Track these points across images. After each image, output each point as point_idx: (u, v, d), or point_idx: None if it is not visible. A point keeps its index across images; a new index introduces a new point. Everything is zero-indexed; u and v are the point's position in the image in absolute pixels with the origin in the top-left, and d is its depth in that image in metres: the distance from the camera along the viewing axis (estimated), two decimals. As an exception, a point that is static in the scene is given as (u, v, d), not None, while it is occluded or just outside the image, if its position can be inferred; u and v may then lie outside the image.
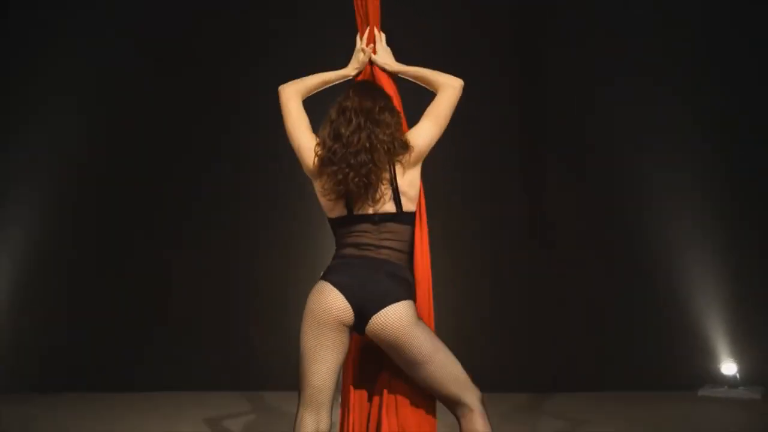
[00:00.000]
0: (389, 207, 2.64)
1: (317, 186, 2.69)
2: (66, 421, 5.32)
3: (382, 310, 2.53)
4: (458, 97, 2.81)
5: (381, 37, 3.01)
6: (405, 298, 2.58)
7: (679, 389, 6.20)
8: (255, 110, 6.40)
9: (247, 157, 6.64)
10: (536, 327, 6.50)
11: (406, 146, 2.66)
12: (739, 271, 6.31)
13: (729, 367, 6.20)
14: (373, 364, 2.78)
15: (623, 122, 6.58)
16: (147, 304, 6.59)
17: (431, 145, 2.74)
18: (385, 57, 2.99)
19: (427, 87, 2.91)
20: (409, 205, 2.67)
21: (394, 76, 3.02)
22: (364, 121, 2.62)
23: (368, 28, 3.07)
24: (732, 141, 6.50)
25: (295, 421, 2.56)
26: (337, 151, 2.60)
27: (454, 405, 2.59)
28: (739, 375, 6.16)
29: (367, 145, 2.58)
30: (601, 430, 4.94)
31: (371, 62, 3.03)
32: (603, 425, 5.10)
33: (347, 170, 2.56)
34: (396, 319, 2.53)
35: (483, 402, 2.59)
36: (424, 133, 2.72)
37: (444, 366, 2.56)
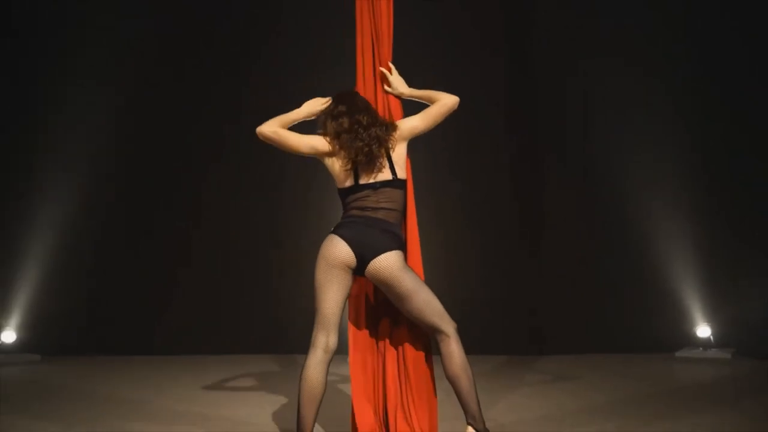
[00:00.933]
0: (386, 175, 3.34)
1: (335, 164, 3.35)
2: (95, 382, 5.73)
3: (378, 257, 3.23)
4: (451, 109, 3.46)
5: (392, 70, 3.60)
6: (395, 249, 3.27)
7: (660, 351, 6.70)
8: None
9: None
10: (531, 296, 6.97)
11: (394, 127, 3.38)
12: (712, 246, 6.77)
13: (703, 331, 6.71)
14: (375, 316, 3.50)
15: (604, 107, 7.02)
16: (170, 275, 7.08)
17: (413, 133, 3.42)
18: (399, 86, 3.60)
19: (430, 103, 3.53)
20: (401, 173, 3.37)
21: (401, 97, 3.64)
22: (363, 115, 3.34)
23: (376, 52, 3.59)
24: (707, 122, 6.90)
25: (312, 338, 3.24)
26: (348, 133, 3.30)
27: (435, 332, 3.27)
28: (713, 338, 6.67)
29: (370, 129, 3.29)
30: (595, 385, 5.38)
31: (384, 90, 3.60)
32: (596, 380, 5.56)
33: (360, 144, 3.27)
34: (388, 264, 3.23)
35: (457, 331, 3.26)
36: (410, 122, 3.43)
37: (427, 302, 3.24)
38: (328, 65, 6.47)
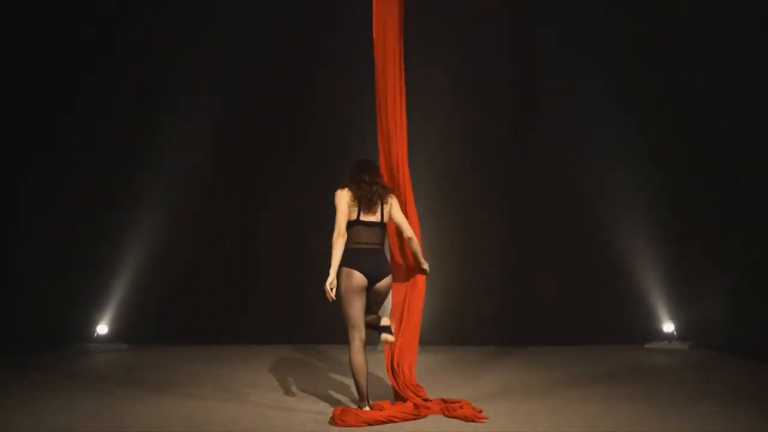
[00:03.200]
0: (377, 218, 4.80)
1: (347, 203, 4.77)
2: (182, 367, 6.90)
3: (382, 280, 4.82)
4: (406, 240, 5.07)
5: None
6: (389, 273, 4.86)
7: (630, 343, 7.84)
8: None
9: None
10: (510, 293, 8.00)
11: (391, 194, 4.96)
12: (677, 255, 7.82)
13: (668, 326, 7.84)
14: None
15: (576, 110, 7.88)
16: (246, 275, 8.29)
17: (391, 213, 4.92)
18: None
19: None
20: (385, 219, 4.85)
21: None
22: (373, 180, 4.85)
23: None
24: (677, 121, 7.69)
25: (350, 336, 4.75)
26: (362, 190, 4.82)
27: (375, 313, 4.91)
28: (675, 332, 7.82)
29: (376, 189, 4.83)
30: (573, 371, 6.42)
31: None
32: (574, 367, 6.62)
33: (367, 194, 4.79)
34: (386, 283, 4.84)
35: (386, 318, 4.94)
36: (396, 211, 4.96)
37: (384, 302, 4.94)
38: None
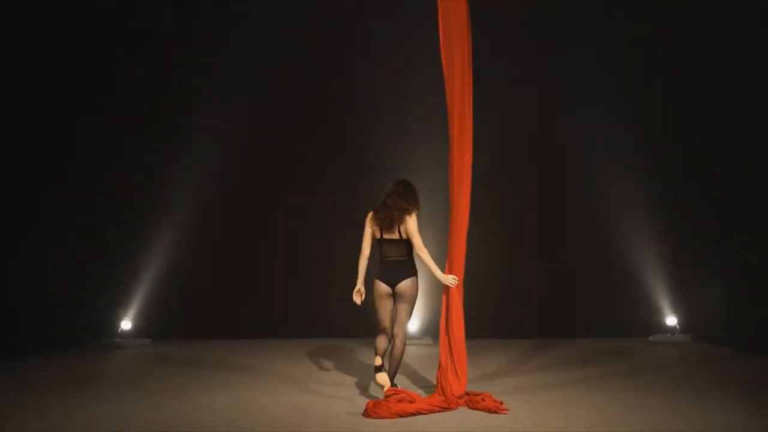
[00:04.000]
0: (396, 236, 5.35)
1: (371, 226, 5.45)
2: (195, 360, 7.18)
3: (400, 283, 5.36)
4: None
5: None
6: (409, 277, 5.37)
7: (635, 336, 8.12)
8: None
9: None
10: (522, 289, 8.27)
11: (408, 212, 5.41)
12: (680, 254, 8.07)
13: (671, 320, 8.11)
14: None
15: (576, 109, 8.03)
16: (264, 274, 8.56)
17: (410, 230, 5.37)
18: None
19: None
20: (404, 236, 5.37)
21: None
22: (393, 205, 5.40)
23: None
24: (677, 120, 7.84)
25: (376, 339, 5.36)
26: (381, 213, 5.41)
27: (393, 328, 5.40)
28: (678, 325, 8.09)
29: (391, 213, 5.38)
30: (580, 364, 6.67)
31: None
32: (582, 359, 6.90)
33: (384, 218, 5.38)
34: (404, 285, 5.38)
35: (405, 336, 5.38)
36: (412, 226, 5.40)
37: (405, 312, 5.41)
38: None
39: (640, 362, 6.86)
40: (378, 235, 5.47)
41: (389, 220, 5.40)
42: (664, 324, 8.17)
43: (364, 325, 8.07)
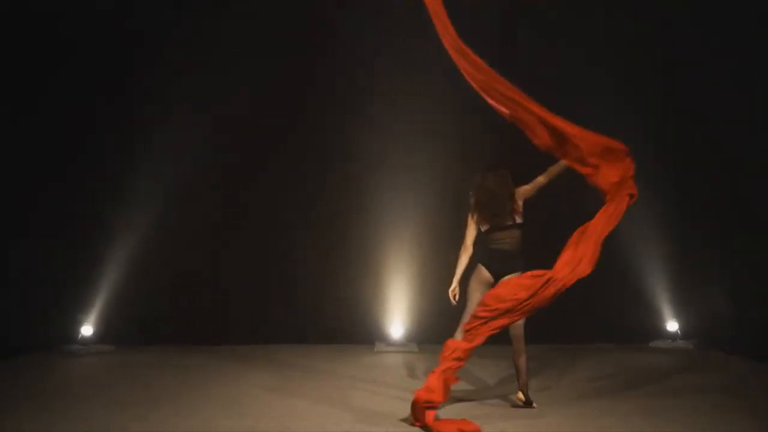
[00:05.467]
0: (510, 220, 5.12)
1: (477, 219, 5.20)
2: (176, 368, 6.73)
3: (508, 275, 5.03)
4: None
5: None
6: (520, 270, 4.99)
7: (635, 342, 7.78)
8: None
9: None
10: None
11: (512, 197, 5.13)
12: (683, 256, 7.76)
13: (672, 325, 7.80)
14: None
15: (575, 107, 7.49)
16: (232, 276, 8.00)
17: (526, 196, 5.16)
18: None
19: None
20: (518, 219, 5.12)
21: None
22: (496, 188, 5.10)
23: None
24: (678, 137, 7.61)
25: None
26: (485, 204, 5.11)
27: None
28: (680, 331, 7.77)
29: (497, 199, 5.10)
30: (579, 372, 6.40)
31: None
32: (581, 367, 6.59)
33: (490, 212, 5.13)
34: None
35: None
36: (523, 191, 5.19)
37: None
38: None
39: (638, 368, 6.55)
40: (486, 226, 5.19)
41: (495, 211, 5.11)
42: (666, 329, 7.86)
43: (340, 330, 7.91)
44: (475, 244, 5.25)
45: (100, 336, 7.78)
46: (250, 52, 7.89)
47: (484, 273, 5.12)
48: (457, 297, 5.18)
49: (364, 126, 7.98)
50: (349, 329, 7.98)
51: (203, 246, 8.03)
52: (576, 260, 4.56)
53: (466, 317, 4.93)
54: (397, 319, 8.00)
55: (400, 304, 8.00)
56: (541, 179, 5.18)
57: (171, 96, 7.78)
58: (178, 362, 6.93)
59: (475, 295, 5.05)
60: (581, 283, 7.46)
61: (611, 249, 7.51)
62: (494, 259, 5.13)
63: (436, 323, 7.51)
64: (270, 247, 8.07)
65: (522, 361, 5.11)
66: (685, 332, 7.80)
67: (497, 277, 5.08)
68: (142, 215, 7.86)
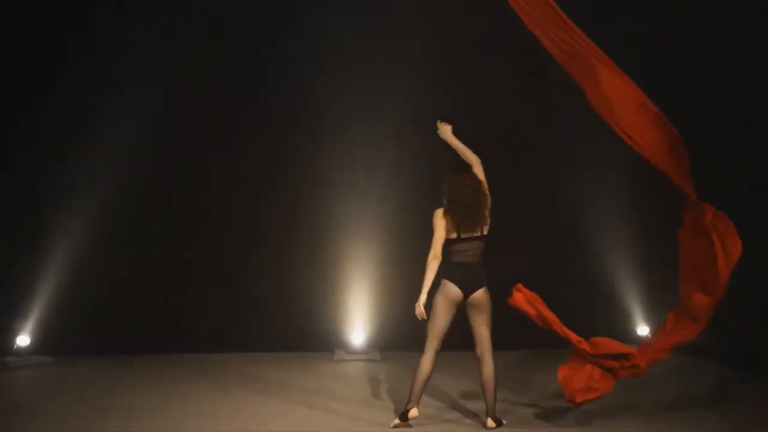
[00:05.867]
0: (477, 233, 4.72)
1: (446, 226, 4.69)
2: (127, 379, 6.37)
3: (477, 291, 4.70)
4: (481, 170, 4.65)
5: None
6: (486, 285, 4.71)
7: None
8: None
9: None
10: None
11: (487, 204, 4.76)
12: (652, 258, 7.52)
13: (643, 329, 7.58)
14: None
15: (550, 123, 7.57)
16: (174, 281, 7.57)
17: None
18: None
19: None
20: (485, 230, 4.73)
21: None
22: (473, 192, 4.69)
23: None
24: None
25: (422, 361, 4.63)
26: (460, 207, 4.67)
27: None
28: (650, 335, 7.35)
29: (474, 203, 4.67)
30: (542, 378, 6.12)
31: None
32: (542, 374, 6.28)
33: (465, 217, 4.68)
34: (483, 295, 4.72)
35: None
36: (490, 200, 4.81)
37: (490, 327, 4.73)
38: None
39: None
40: (454, 235, 4.70)
41: (472, 216, 4.69)
42: (636, 333, 7.60)
43: (297, 337, 7.49)
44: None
45: (38, 347, 7.25)
46: (199, 48, 7.46)
47: (453, 290, 4.67)
48: (424, 315, 4.66)
49: (322, 127, 7.64)
50: (307, 336, 7.59)
51: (147, 252, 7.58)
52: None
53: (433, 338, 4.64)
54: (358, 324, 7.64)
55: (361, 309, 7.64)
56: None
57: (110, 101, 7.34)
58: (120, 373, 6.55)
59: (445, 318, 4.66)
60: (546, 286, 7.34)
61: (579, 251, 7.56)
62: (464, 273, 4.69)
63: (400, 329, 7.26)
64: (222, 250, 7.66)
65: (490, 374, 4.73)
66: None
67: (467, 294, 4.68)
68: (80, 220, 7.34)
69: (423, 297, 4.60)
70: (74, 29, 7.34)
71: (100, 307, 7.41)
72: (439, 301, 4.65)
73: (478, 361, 4.74)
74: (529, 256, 7.62)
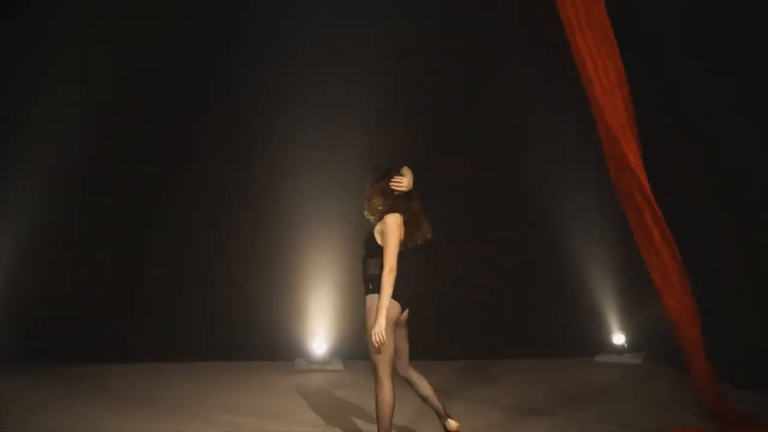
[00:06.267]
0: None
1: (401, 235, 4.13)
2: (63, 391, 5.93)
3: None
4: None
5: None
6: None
7: (579, 356, 7.24)
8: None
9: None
10: (461, 307, 7.34)
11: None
12: (627, 266, 7.12)
13: (619, 338, 7.31)
14: None
15: (528, 123, 7.32)
16: (125, 286, 7.14)
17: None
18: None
19: None
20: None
21: None
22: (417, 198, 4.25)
23: None
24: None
25: (389, 393, 4.04)
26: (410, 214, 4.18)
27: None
28: (626, 344, 7.28)
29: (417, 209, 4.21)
30: (519, 390, 5.91)
31: None
32: (521, 385, 6.09)
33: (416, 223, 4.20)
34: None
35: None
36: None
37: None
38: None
39: (582, 385, 6.06)
40: (404, 246, 4.15)
41: (419, 222, 4.21)
42: (612, 342, 7.33)
43: (256, 346, 7.10)
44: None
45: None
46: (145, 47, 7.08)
47: (396, 309, 4.07)
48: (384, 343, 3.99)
49: (277, 136, 7.29)
50: (266, 344, 7.17)
51: (96, 256, 7.17)
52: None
53: (386, 366, 4.04)
54: (319, 333, 7.26)
55: (323, 317, 7.26)
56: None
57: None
58: (65, 383, 6.14)
59: (392, 341, 4.04)
60: (520, 293, 7.23)
61: (553, 256, 7.24)
62: (407, 288, 4.12)
63: (363, 338, 6.84)
64: (174, 256, 7.27)
65: (427, 387, 4.35)
66: (633, 345, 7.29)
67: (404, 309, 4.17)
68: (21, 212, 6.90)
69: (383, 321, 3.96)
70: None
71: (43, 316, 7.00)
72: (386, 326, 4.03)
73: (407, 380, 4.32)
74: (510, 270, 7.41)
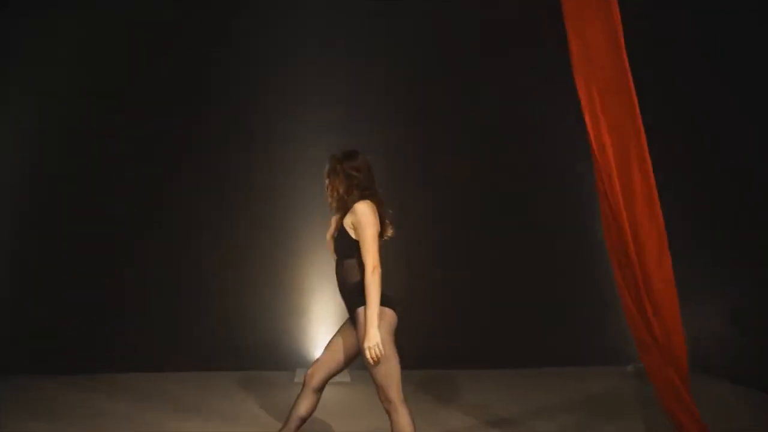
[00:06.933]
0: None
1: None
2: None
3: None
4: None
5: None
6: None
7: (611, 364, 7.15)
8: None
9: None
10: (488, 312, 7.27)
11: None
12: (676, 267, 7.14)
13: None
14: None
15: (547, 130, 7.30)
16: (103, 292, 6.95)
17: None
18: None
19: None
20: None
21: None
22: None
23: None
24: (661, 151, 7.14)
25: (400, 401, 3.53)
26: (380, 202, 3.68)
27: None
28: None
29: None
30: (547, 400, 5.88)
31: None
32: (547, 395, 6.05)
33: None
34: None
35: None
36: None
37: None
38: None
39: (612, 396, 6.08)
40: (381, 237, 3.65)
41: (386, 217, 3.71)
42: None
43: (253, 355, 6.95)
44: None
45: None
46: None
47: (392, 315, 3.58)
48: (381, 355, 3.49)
49: (275, 137, 7.24)
50: (265, 353, 7.03)
51: (78, 257, 6.93)
52: None
53: (398, 388, 3.53)
54: (322, 340, 7.06)
55: (326, 323, 7.01)
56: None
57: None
58: (47, 394, 6.00)
59: (397, 356, 3.56)
60: (553, 299, 7.17)
61: (587, 267, 7.12)
62: (387, 288, 3.60)
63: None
64: (165, 255, 7.10)
65: (308, 411, 3.79)
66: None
67: (400, 316, 3.68)
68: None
69: (375, 333, 3.41)
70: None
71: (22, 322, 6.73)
72: (386, 339, 3.47)
73: (311, 390, 3.79)
74: (539, 276, 7.39)
